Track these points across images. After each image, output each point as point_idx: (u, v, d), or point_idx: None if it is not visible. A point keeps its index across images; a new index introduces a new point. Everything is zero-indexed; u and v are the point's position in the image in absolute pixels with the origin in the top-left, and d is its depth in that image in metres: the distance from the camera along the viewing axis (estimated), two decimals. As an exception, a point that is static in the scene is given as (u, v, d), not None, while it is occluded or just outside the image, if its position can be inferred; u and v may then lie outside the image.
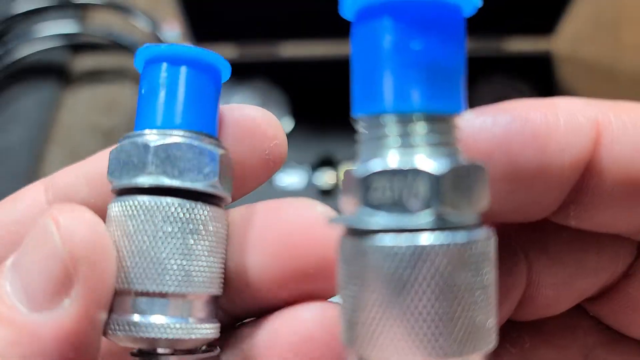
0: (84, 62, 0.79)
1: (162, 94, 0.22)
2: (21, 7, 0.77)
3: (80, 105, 0.77)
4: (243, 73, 0.74)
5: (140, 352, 0.22)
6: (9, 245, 0.21)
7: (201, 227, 0.21)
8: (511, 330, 0.25)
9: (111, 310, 0.21)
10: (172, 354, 0.22)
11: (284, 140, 0.24)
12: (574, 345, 0.25)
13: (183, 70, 0.22)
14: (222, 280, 0.23)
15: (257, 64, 0.75)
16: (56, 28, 0.78)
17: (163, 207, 0.21)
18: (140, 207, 0.21)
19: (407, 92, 0.17)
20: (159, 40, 0.76)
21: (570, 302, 0.24)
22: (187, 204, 0.21)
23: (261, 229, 0.23)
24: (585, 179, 0.20)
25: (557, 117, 0.20)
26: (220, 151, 0.22)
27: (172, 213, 0.21)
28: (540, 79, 0.75)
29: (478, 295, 0.17)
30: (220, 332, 0.23)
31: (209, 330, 0.22)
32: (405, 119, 0.17)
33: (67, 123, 0.75)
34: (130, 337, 0.21)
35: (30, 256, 0.20)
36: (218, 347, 0.23)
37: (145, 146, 0.21)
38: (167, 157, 0.21)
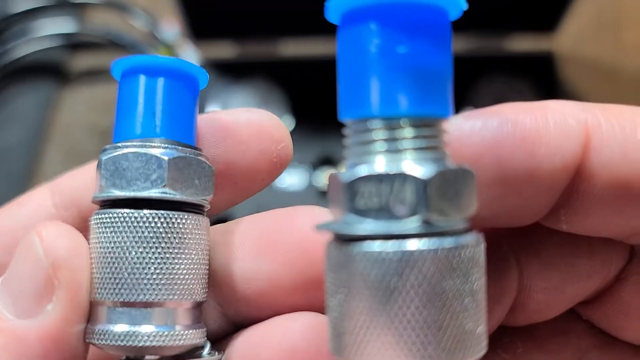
0: (82, 62, 0.79)
1: (139, 105, 0.22)
2: (19, 6, 0.77)
3: (79, 104, 0.76)
4: (243, 72, 0.73)
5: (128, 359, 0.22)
6: (11, 252, 0.22)
7: (176, 235, 0.22)
8: (503, 336, 0.25)
9: (98, 320, 0.22)
10: None
11: (289, 142, 0.25)
12: (567, 350, 0.25)
13: (160, 80, 0.22)
14: (206, 286, 0.23)
15: (257, 63, 0.75)
16: (54, 27, 0.78)
17: (134, 218, 0.21)
18: (110, 219, 0.22)
19: (393, 96, 0.17)
20: (157, 40, 0.76)
21: (563, 306, 0.24)
22: (156, 213, 0.21)
23: (273, 237, 0.23)
24: (575, 183, 0.20)
25: (547, 120, 0.19)
26: (173, 155, 0.22)
27: (143, 223, 0.21)
28: (542, 78, 0.75)
29: (467, 302, 0.17)
30: (222, 338, 0.24)
31: (195, 335, 0.22)
32: (392, 123, 0.17)
33: (65, 122, 0.75)
34: (117, 346, 0.21)
35: (17, 268, 0.21)
36: (217, 353, 0.23)
37: (100, 160, 0.22)
38: (115, 169, 0.22)
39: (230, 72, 0.74)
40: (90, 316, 0.22)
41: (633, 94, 0.75)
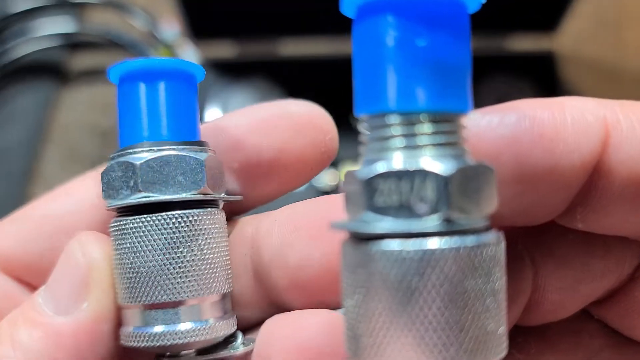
0: (82, 61, 0.79)
1: (141, 110, 0.23)
2: (19, 6, 0.77)
3: (78, 104, 0.76)
4: (242, 72, 0.73)
5: (164, 356, 0.23)
6: (62, 236, 0.24)
7: (167, 234, 0.22)
8: (517, 336, 0.24)
9: (132, 323, 0.23)
10: (197, 354, 0.23)
11: (336, 135, 0.25)
12: (580, 349, 0.25)
13: (158, 83, 0.23)
14: (229, 277, 0.24)
15: (257, 63, 0.74)
16: (54, 27, 0.77)
17: (123, 225, 0.22)
18: (114, 228, 0.23)
19: (412, 90, 0.16)
20: (157, 40, 0.76)
21: (576, 306, 0.24)
22: (162, 215, 0.22)
23: (326, 223, 0.23)
24: (593, 180, 0.19)
25: (565, 116, 0.19)
26: (146, 158, 0.22)
27: (130, 229, 0.22)
28: (543, 78, 0.75)
29: (489, 302, 0.16)
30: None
31: (228, 325, 0.23)
32: (410, 118, 0.16)
33: (64, 122, 0.75)
34: (157, 346, 0.22)
35: (59, 270, 0.23)
36: (251, 343, 0.24)
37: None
38: (108, 181, 0.23)
39: (230, 71, 0.73)
40: (123, 320, 0.23)
41: (634, 93, 0.74)
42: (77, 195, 0.26)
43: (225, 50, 0.75)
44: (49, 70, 0.77)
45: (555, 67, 0.75)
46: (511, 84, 0.74)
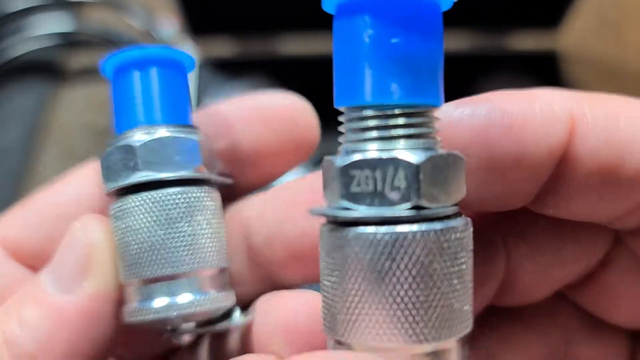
0: (79, 60, 0.79)
1: (136, 97, 0.24)
2: (16, 5, 0.77)
3: (76, 103, 0.76)
4: (242, 69, 0.73)
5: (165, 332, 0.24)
6: (64, 222, 0.25)
7: (187, 209, 0.23)
8: (491, 316, 0.25)
9: (133, 299, 0.23)
10: (196, 326, 0.24)
11: (315, 127, 0.26)
12: (556, 331, 0.26)
13: (152, 70, 0.24)
14: (223, 253, 0.25)
15: (256, 61, 0.75)
16: (51, 25, 0.77)
17: (127, 205, 0.23)
18: (114, 210, 0.24)
19: (386, 85, 0.17)
20: (155, 38, 0.76)
21: (549, 289, 0.25)
22: (160, 192, 0.23)
23: (315, 198, 0.23)
24: (561, 169, 0.20)
25: (534, 107, 0.20)
26: (144, 140, 0.23)
27: (130, 207, 0.23)
28: (545, 76, 0.75)
29: (456, 282, 0.17)
30: None
31: (225, 298, 0.24)
32: (384, 111, 0.18)
33: (62, 122, 0.75)
34: (159, 320, 0.23)
35: (62, 249, 0.24)
36: (251, 314, 0.25)
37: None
38: (108, 165, 0.24)
39: (229, 69, 0.73)
40: (125, 299, 0.24)
41: (636, 93, 0.74)
42: (77, 184, 0.27)
43: (224, 48, 0.75)
44: (46, 69, 0.78)
45: (557, 66, 0.75)
46: (513, 83, 0.74)
